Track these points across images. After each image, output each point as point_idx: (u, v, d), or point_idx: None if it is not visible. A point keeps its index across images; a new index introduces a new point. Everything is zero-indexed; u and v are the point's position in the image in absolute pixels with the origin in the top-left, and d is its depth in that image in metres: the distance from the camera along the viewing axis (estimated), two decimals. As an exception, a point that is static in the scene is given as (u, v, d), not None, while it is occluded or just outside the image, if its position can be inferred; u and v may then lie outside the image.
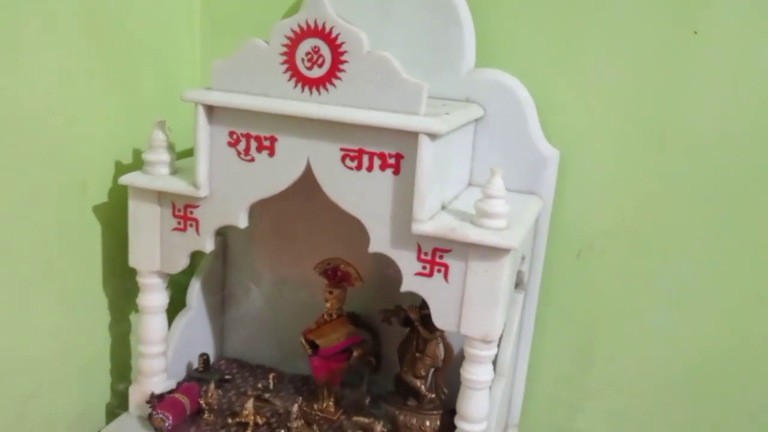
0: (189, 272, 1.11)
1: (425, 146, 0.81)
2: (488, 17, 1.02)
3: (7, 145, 0.90)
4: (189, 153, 0.99)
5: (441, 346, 1.05)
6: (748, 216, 1.00)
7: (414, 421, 1.05)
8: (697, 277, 1.04)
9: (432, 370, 1.06)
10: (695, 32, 0.95)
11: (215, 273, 1.20)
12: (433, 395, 1.06)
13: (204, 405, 1.05)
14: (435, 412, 1.05)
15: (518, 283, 1.04)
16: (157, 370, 1.07)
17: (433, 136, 0.81)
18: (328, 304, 1.06)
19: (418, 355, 1.05)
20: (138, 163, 1.02)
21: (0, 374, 0.96)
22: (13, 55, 0.89)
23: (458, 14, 1.00)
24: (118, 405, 1.17)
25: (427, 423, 1.05)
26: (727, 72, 0.96)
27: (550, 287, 1.09)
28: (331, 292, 1.06)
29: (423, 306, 0.97)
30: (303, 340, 1.06)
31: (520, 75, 1.02)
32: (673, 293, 1.05)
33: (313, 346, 1.05)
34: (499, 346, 0.96)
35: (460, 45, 1.01)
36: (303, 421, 1.03)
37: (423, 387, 1.06)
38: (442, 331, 1.02)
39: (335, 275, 1.05)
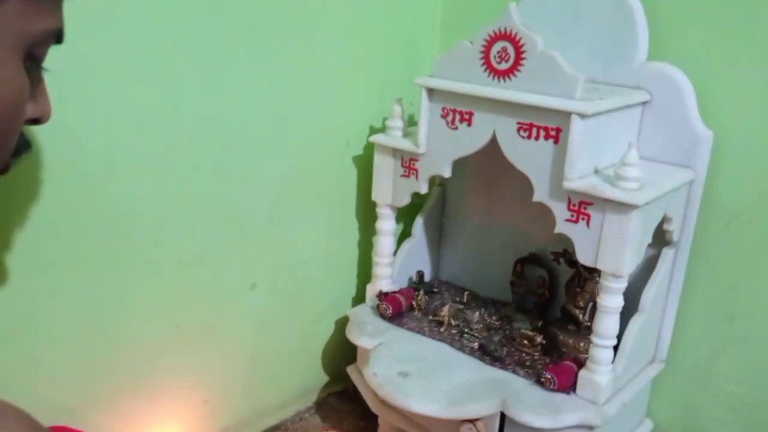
0: (414, 213, 1.47)
1: (576, 123, 1.05)
2: (659, 18, 1.20)
3: (303, 116, 1.32)
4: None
5: (598, 285, 1.24)
6: None
7: (571, 341, 1.26)
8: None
9: (590, 303, 1.27)
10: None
11: (435, 215, 1.52)
12: (590, 323, 1.25)
13: (415, 305, 1.40)
14: (588, 337, 1.26)
15: (668, 241, 1.23)
16: (386, 275, 1.43)
17: (582, 116, 1.05)
18: None
19: (578, 290, 1.27)
20: (383, 127, 1.34)
21: (286, 262, 1.39)
22: (311, 54, 1.31)
23: (634, 17, 1.19)
24: (358, 297, 1.54)
25: (582, 344, 1.25)
26: None
27: (700, 248, 1.24)
28: None
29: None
30: None
31: (684, 67, 1.17)
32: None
33: None
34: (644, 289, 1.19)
35: (634, 42, 1.20)
36: (482, 325, 1.35)
37: (581, 316, 1.27)
38: (600, 272, 1.20)
39: None
